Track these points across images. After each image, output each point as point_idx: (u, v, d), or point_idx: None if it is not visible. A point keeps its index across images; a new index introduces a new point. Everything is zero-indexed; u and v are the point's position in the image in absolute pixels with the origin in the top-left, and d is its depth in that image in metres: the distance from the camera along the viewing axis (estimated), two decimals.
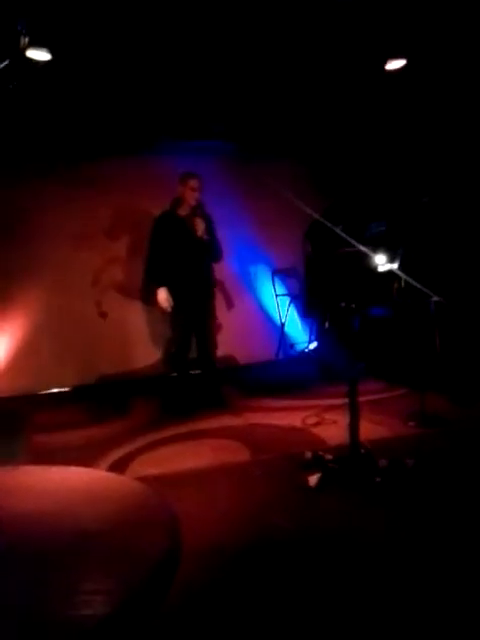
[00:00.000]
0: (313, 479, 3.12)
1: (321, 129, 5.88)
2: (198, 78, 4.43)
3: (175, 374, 4.93)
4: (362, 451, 3.30)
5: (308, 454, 3.43)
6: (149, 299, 5.35)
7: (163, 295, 4.64)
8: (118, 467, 3.64)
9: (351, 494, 3.02)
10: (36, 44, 3.35)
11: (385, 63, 4.06)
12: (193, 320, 4.74)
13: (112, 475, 2.44)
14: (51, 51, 3.53)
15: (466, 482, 3.09)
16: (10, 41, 3.31)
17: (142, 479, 3.35)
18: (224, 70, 4.28)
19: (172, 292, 4.65)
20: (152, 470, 3.53)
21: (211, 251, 4.74)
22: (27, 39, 3.24)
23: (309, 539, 2.61)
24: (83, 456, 3.85)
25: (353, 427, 3.28)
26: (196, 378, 4.89)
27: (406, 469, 3.20)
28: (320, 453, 3.42)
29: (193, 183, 4.62)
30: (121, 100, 4.75)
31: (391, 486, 3.02)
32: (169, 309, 4.69)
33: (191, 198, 4.63)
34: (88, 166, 5.81)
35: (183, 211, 4.69)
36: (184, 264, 4.65)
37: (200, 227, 4.58)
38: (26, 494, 1.57)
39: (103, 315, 6.05)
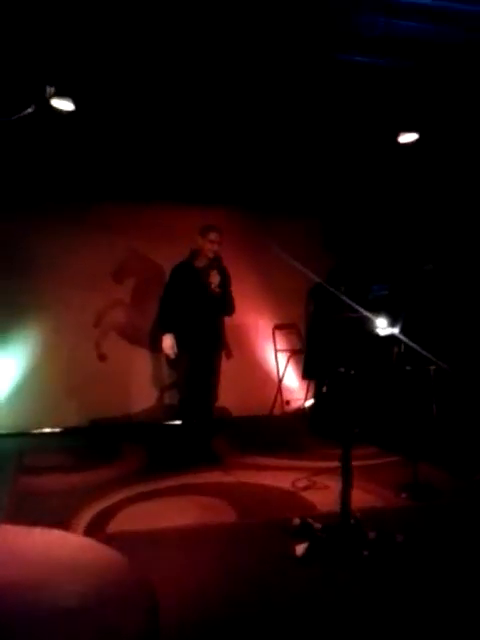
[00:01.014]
0: (300, 548, 3.03)
1: (332, 192, 6.00)
2: (216, 135, 4.55)
3: (180, 422, 4.88)
4: (352, 521, 3.22)
5: (296, 521, 3.34)
6: (156, 345, 5.38)
7: (168, 342, 4.66)
8: (102, 519, 3.54)
9: (338, 567, 2.92)
10: (61, 94, 3.45)
11: (398, 136, 4.18)
12: (198, 370, 4.72)
13: (95, 544, 2.35)
14: (75, 101, 3.63)
15: (455, 563, 3.00)
16: (36, 90, 3.41)
17: (125, 534, 3.30)
18: (242, 130, 4.40)
19: (180, 340, 4.66)
20: (136, 525, 3.44)
21: (223, 305, 4.77)
22: (53, 89, 3.34)
23: (291, 615, 2.51)
24: (68, 504, 3.77)
25: (345, 496, 3.21)
26: (190, 429, 4.83)
27: (395, 544, 3.11)
28: (309, 520, 3.33)
29: (213, 236, 4.69)
30: (138, 150, 4.87)
31: (379, 562, 2.94)
32: (172, 356, 4.71)
33: (209, 251, 4.69)
34: (100, 209, 5.92)
35: (200, 263, 4.75)
36: (195, 315, 4.68)
37: (214, 280, 4.62)
38: (6, 560, 1.52)
39: (102, 357, 6.04)
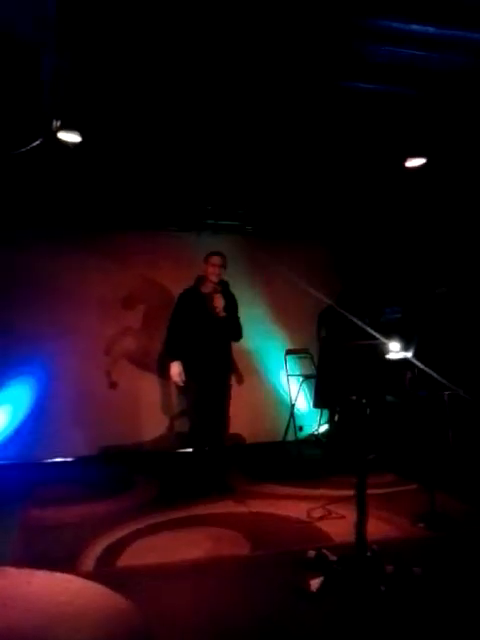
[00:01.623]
0: (315, 583, 2.95)
1: (342, 215, 5.99)
2: (224, 163, 4.56)
3: (191, 450, 4.86)
4: (368, 553, 3.13)
5: (311, 553, 3.26)
6: (164, 372, 5.36)
7: (176, 369, 4.63)
8: (112, 552, 3.48)
9: (354, 603, 2.84)
10: (68, 127, 3.48)
11: (405, 160, 4.16)
12: (207, 396, 4.68)
13: (99, 589, 2.28)
14: (82, 133, 3.66)
15: (475, 599, 2.90)
16: (42, 123, 3.44)
17: (135, 569, 3.24)
18: (249, 157, 4.41)
19: (188, 367, 4.63)
20: (146, 559, 3.37)
21: (230, 329, 4.74)
22: (59, 122, 3.37)
23: None
24: (78, 536, 3.72)
25: (360, 527, 3.12)
26: (202, 457, 4.76)
27: (413, 578, 3.02)
28: (324, 552, 3.25)
29: (214, 260, 4.71)
30: (148, 179, 4.89)
31: (397, 597, 2.84)
32: (181, 383, 4.67)
33: (213, 275, 4.69)
34: (110, 238, 5.97)
35: (206, 288, 4.74)
36: (202, 340, 4.66)
37: (219, 303, 4.60)
38: (7, 604, 1.47)
39: (113, 385, 6.02)
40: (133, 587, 2.97)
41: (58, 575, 1.80)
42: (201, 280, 4.80)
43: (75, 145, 3.74)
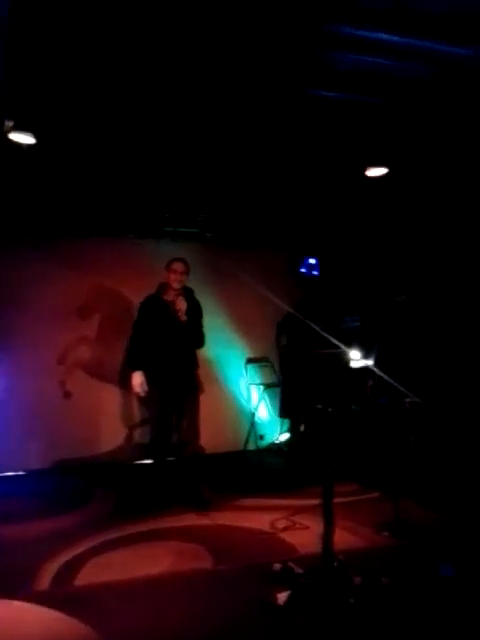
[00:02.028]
0: (282, 596, 2.88)
1: (302, 223, 5.99)
2: (185, 170, 4.49)
3: (151, 461, 4.75)
4: (335, 563, 3.09)
5: (277, 566, 3.19)
6: (125, 382, 5.24)
7: (137, 379, 4.51)
8: (69, 570, 3.33)
9: (323, 617, 2.78)
10: (21, 128, 3.34)
11: (366, 169, 4.18)
12: (172, 406, 4.57)
13: (59, 617, 2.13)
14: (36, 135, 3.52)
15: (444, 608, 2.89)
16: None
17: (94, 587, 3.11)
18: (209, 163, 4.35)
19: (151, 377, 4.52)
20: (105, 576, 3.24)
21: (192, 335, 4.65)
22: (11, 123, 3.24)
23: None
24: (32, 554, 3.54)
25: (327, 537, 3.08)
26: (162, 469, 4.65)
27: (381, 588, 2.99)
28: (290, 565, 3.19)
29: (176, 266, 4.63)
30: (107, 185, 4.78)
31: (366, 609, 2.80)
32: (142, 394, 4.54)
33: (174, 281, 4.61)
34: (67, 244, 5.78)
35: (168, 296, 4.65)
36: (165, 348, 4.55)
37: (181, 305, 4.51)
38: None
39: (67, 395, 5.82)
40: (91, 607, 2.85)
41: (15, 604, 1.68)
42: (163, 287, 4.70)
43: (29, 147, 3.59)
